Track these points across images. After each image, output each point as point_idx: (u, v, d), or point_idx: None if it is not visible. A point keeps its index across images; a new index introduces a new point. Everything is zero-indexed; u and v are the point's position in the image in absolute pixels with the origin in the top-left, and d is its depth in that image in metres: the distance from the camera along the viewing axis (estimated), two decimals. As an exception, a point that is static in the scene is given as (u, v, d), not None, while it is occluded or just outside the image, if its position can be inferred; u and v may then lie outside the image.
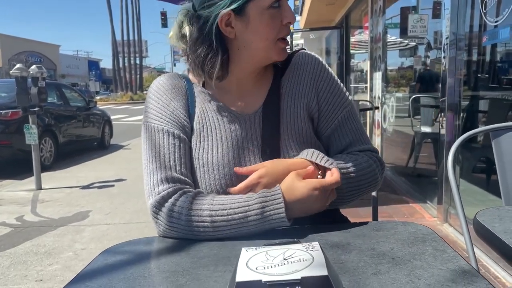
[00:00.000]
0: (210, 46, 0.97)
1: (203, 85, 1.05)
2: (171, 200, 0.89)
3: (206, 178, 0.97)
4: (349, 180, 0.95)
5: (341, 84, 1.08)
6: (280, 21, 0.96)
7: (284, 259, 0.57)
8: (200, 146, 1.00)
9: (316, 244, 0.62)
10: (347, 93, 1.08)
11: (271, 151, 1.00)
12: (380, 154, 1.07)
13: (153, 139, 0.98)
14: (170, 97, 1.02)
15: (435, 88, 4.56)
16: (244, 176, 0.94)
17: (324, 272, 0.53)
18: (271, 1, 0.93)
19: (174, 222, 0.87)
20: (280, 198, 0.86)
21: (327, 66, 1.08)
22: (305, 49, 1.11)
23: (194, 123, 1.01)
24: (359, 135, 1.05)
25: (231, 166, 0.97)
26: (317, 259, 0.57)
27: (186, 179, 0.95)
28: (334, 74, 1.08)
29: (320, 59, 1.08)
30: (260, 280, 0.52)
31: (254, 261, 0.58)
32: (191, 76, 1.07)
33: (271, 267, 0.55)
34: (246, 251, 0.62)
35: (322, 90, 1.05)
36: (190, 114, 1.02)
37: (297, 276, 0.52)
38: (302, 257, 0.57)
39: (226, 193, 0.95)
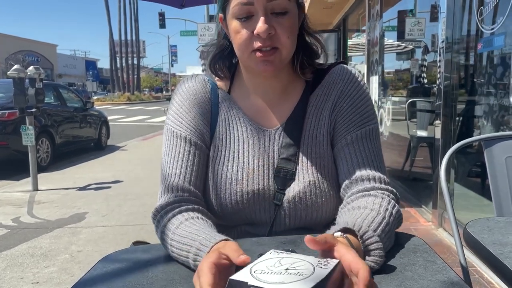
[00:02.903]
0: (218, 44, 1.02)
1: (229, 92, 1.02)
2: (161, 213, 0.90)
3: (217, 190, 0.95)
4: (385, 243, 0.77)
5: (371, 106, 0.97)
6: (252, 32, 0.87)
7: (287, 269, 0.56)
8: (216, 156, 0.97)
9: (333, 262, 0.58)
10: (374, 116, 0.96)
11: (284, 173, 0.94)
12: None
13: (170, 143, 0.97)
14: (194, 103, 0.99)
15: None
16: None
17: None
18: (237, 14, 0.88)
19: (157, 233, 0.90)
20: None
21: (361, 83, 0.98)
22: (344, 62, 1.02)
23: (215, 131, 0.99)
24: (372, 160, 0.92)
25: (244, 184, 0.94)
26: (314, 276, 0.54)
27: (191, 187, 0.93)
28: (368, 93, 0.98)
29: (357, 74, 0.98)
30: (246, 283, 0.53)
31: (263, 264, 0.57)
32: (218, 82, 1.03)
33: (268, 273, 0.55)
34: (270, 253, 0.61)
35: (342, 107, 0.95)
36: (212, 122, 0.99)
37: None
38: (303, 271, 0.55)
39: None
